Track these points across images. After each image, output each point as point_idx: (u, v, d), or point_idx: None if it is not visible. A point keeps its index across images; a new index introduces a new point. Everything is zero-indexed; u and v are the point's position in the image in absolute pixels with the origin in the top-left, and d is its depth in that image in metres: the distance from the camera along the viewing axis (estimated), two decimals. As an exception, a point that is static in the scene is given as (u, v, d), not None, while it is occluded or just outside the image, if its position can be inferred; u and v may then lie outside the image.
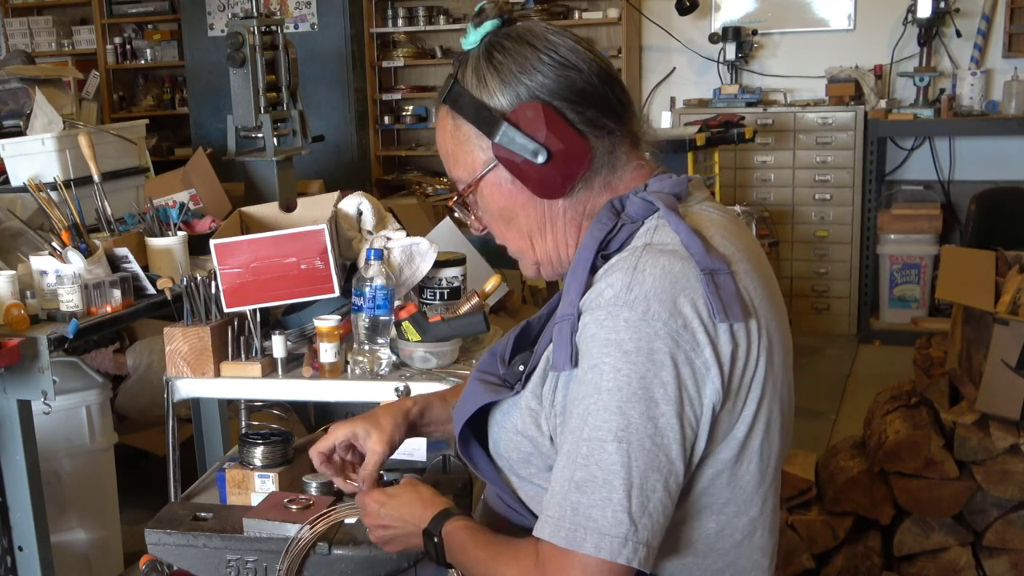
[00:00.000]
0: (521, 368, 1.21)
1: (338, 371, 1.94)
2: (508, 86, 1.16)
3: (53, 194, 2.50)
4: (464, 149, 1.21)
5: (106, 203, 2.70)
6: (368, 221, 2.12)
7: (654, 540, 1.04)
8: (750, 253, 1.16)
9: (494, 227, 1.27)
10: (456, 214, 1.30)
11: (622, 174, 1.20)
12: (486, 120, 1.17)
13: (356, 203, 2.13)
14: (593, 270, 1.14)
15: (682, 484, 1.07)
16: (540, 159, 1.14)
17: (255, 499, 1.77)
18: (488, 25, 1.19)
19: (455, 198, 1.26)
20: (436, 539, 1.24)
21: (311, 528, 1.46)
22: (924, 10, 5.20)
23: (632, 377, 1.04)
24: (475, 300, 1.97)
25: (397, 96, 6.29)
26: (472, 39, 1.20)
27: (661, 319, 1.04)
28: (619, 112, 1.19)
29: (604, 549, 1.02)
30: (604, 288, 1.08)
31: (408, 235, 2.10)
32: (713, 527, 1.14)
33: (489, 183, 1.21)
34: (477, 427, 1.26)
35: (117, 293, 2.36)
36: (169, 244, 2.54)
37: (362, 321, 1.90)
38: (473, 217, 1.27)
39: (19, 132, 3.29)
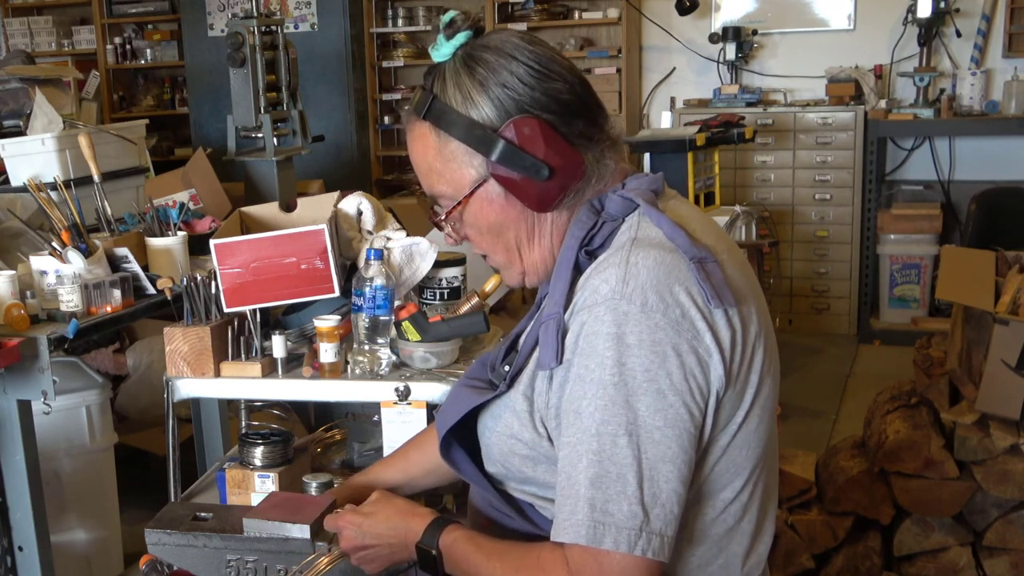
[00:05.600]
0: (506, 369, 1.21)
1: (338, 371, 1.94)
2: (496, 101, 1.14)
3: (53, 194, 2.50)
4: (451, 167, 1.19)
5: (106, 203, 2.70)
6: (368, 221, 2.12)
7: (667, 529, 1.05)
8: (725, 246, 1.19)
9: (479, 240, 1.25)
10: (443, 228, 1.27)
11: (609, 181, 1.21)
12: (480, 139, 1.15)
13: (356, 203, 2.12)
14: (577, 268, 1.15)
15: (694, 470, 1.08)
16: (543, 175, 1.14)
17: (255, 499, 1.77)
18: (461, 37, 1.18)
19: (441, 216, 1.23)
20: (435, 552, 1.23)
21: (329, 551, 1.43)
22: (924, 10, 5.20)
23: (636, 370, 1.04)
24: (475, 300, 1.96)
25: (397, 96, 6.29)
26: (444, 51, 1.18)
27: (660, 310, 1.05)
28: (600, 121, 1.20)
29: (623, 543, 1.03)
30: (599, 284, 1.08)
31: (408, 235, 2.10)
32: (711, 513, 1.15)
33: (479, 198, 1.19)
34: (460, 431, 1.26)
35: (117, 293, 2.36)
36: (169, 244, 2.54)
37: (362, 321, 1.90)
38: (450, 228, 1.25)
39: (19, 132, 3.29)
